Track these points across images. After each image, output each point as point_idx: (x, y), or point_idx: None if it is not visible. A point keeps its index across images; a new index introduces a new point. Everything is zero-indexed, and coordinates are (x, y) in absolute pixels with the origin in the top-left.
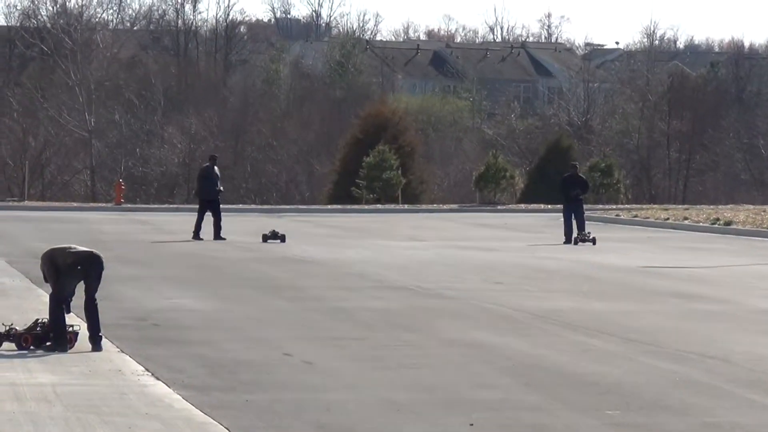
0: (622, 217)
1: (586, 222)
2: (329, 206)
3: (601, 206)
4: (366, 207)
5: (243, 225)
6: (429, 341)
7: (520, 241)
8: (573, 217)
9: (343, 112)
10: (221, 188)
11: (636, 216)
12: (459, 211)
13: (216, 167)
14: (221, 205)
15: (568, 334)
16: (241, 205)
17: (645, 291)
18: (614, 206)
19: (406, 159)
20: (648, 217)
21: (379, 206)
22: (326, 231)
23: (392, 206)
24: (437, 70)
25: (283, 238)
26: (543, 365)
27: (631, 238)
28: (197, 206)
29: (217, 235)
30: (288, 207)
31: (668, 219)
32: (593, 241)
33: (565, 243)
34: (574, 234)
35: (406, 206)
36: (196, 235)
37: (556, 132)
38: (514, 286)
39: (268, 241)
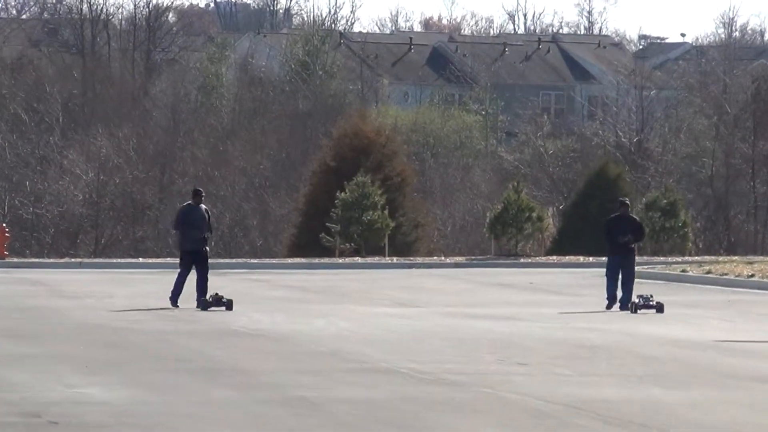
0: (690, 273)
1: (639, 281)
2: (290, 259)
3: (661, 258)
4: (340, 261)
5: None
6: None
7: (550, 306)
8: (620, 272)
9: (309, 130)
10: (209, 234)
11: (709, 272)
12: (468, 266)
13: (203, 206)
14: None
15: None
16: (169, 259)
17: (721, 374)
18: (680, 258)
19: (395, 195)
20: (726, 273)
21: (358, 259)
22: (286, 293)
23: (376, 259)
24: (437, 72)
25: (229, 305)
26: None
27: (703, 302)
28: (178, 260)
29: (201, 298)
30: (233, 261)
31: (754, 276)
32: (659, 307)
33: (608, 308)
34: (620, 294)
35: (395, 259)
36: (174, 300)
37: (600, 157)
38: (542, 369)
39: (210, 309)
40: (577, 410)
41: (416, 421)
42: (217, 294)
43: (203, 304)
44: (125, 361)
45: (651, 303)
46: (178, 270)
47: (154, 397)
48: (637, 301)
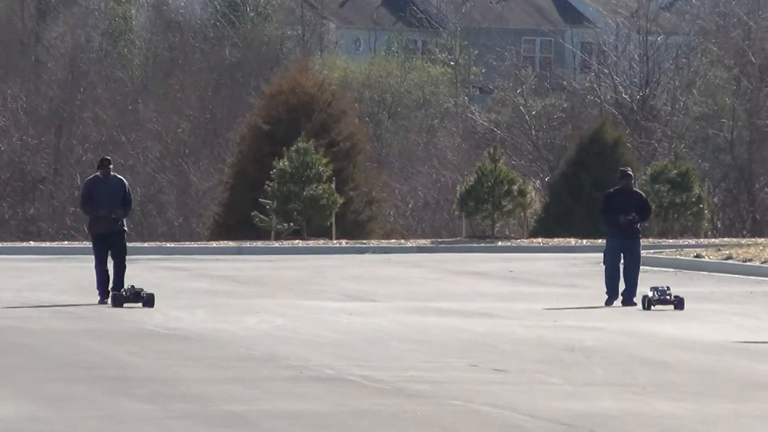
0: (706, 259)
1: (644, 269)
2: (215, 243)
3: (671, 241)
4: (277, 244)
5: (74, 275)
6: None
7: (534, 300)
8: (623, 259)
9: (238, 86)
10: (122, 214)
11: (729, 257)
12: (433, 251)
13: (118, 177)
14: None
15: None
16: (67, 243)
17: (743, 382)
18: (693, 241)
19: (343, 164)
20: (749, 259)
21: (299, 243)
22: (210, 285)
23: (321, 242)
24: (395, 14)
25: (149, 300)
26: None
27: (721, 294)
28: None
29: (114, 291)
30: (146, 245)
31: None
32: (678, 303)
33: (608, 303)
34: (624, 289)
35: (344, 243)
36: (103, 296)
37: (595, 118)
38: (524, 377)
39: (125, 304)
40: (567, 427)
41: None
42: (133, 287)
43: (116, 299)
44: (14, 368)
45: (668, 297)
46: None
47: (51, 412)
48: (651, 294)
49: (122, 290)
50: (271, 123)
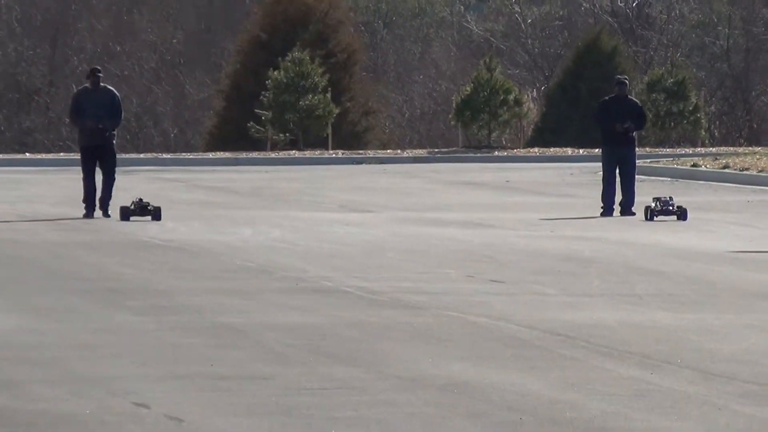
0: (703, 168)
1: (641, 178)
2: (211, 154)
3: (668, 150)
4: (273, 155)
5: (70, 186)
6: (378, 381)
7: (531, 210)
8: (618, 168)
9: None
10: (109, 123)
11: (726, 166)
12: (429, 161)
13: (109, 88)
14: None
15: (614, 366)
16: (63, 154)
17: (740, 292)
18: (690, 150)
19: (339, 74)
20: (746, 168)
21: (295, 153)
22: (206, 196)
23: (317, 153)
24: None
25: (156, 214)
26: (572, 421)
27: (718, 203)
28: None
29: (106, 206)
30: (141, 156)
31: None
32: (681, 213)
33: (603, 214)
34: (622, 199)
35: (340, 153)
36: (89, 209)
37: (591, 27)
38: (521, 287)
39: (131, 218)
40: (563, 338)
41: (365, 351)
42: (141, 200)
43: (123, 212)
44: (7, 280)
45: (671, 208)
46: None
47: (45, 324)
48: (653, 205)
49: (130, 204)
50: (267, 32)
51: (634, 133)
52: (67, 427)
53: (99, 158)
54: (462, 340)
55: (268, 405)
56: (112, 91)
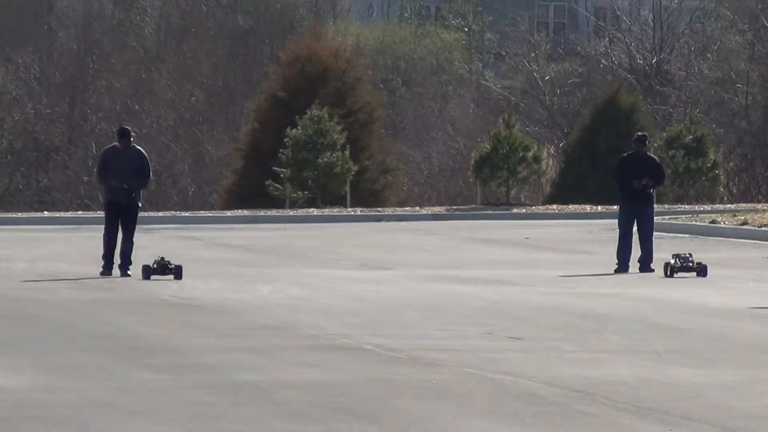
0: (722, 224)
1: (659, 235)
2: (229, 212)
3: (686, 207)
4: (291, 213)
5: (88, 245)
6: None
7: (549, 267)
8: (636, 225)
9: (252, 53)
10: (135, 185)
11: (745, 223)
12: (448, 218)
13: (137, 148)
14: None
15: (633, 423)
16: (81, 212)
17: (758, 348)
18: (709, 207)
19: (358, 132)
20: (766, 224)
21: (313, 211)
22: (224, 254)
23: (336, 211)
24: None
25: (178, 273)
26: None
27: (737, 260)
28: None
29: (125, 265)
30: (160, 214)
31: None
32: (701, 270)
33: (617, 271)
34: (641, 256)
35: (359, 211)
36: (107, 266)
37: (609, 84)
38: (540, 344)
39: (152, 277)
40: (582, 394)
41: (385, 409)
42: (162, 259)
43: (144, 271)
44: (28, 338)
45: (691, 264)
46: None
47: (64, 382)
48: (673, 261)
49: (152, 263)
50: (286, 91)
51: (652, 189)
52: None
53: (122, 216)
54: (481, 397)
55: None
56: (142, 152)
